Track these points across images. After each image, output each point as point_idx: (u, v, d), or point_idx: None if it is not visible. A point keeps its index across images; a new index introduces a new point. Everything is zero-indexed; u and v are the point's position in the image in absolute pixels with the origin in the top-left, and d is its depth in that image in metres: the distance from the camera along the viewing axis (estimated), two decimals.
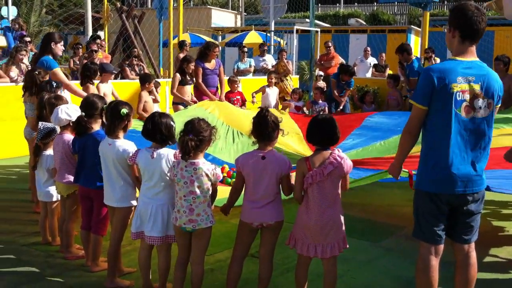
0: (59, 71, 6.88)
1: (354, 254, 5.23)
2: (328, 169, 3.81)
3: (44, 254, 5.18)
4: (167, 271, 4.21)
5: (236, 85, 10.58)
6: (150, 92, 8.81)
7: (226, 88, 10.20)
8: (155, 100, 8.93)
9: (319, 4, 37.59)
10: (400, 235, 5.78)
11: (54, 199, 5.29)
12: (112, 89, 8.80)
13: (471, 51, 3.62)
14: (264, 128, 3.95)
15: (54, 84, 6.15)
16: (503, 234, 6.11)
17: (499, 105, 3.68)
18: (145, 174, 4.14)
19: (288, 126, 8.48)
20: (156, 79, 10.48)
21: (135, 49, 14.09)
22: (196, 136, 3.88)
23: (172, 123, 4.14)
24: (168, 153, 4.11)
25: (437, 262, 3.69)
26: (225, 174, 6.77)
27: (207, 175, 3.93)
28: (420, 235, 3.73)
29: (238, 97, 10.58)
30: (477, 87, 3.52)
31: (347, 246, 4.02)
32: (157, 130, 4.07)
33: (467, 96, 3.51)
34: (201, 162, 3.95)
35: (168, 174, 4.03)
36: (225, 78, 10.47)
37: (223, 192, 4.59)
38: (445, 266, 4.05)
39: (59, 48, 7.18)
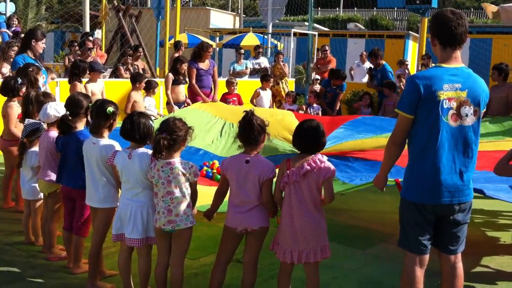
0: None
1: (342, 261, 5.17)
2: (304, 169, 3.73)
3: (26, 254, 5.09)
4: (148, 274, 4.12)
5: (233, 87, 10.53)
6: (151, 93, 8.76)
7: (220, 88, 10.14)
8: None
9: (319, 8, 37.62)
10: (389, 242, 5.71)
11: (38, 197, 5.20)
12: (102, 88, 8.67)
13: (455, 57, 3.55)
14: (250, 131, 3.87)
15: (19, 81, 6.06)
16: (494, 244, 6.04)
17: (484, 110, 3.61)
18: (123, 175, 4.07)
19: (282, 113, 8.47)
20: (154, 79, 10.42)
21: (130, 49, 13.96)
22: (170, 135, 3.81)
23: (151, 122, 4.07)
24: (145, 153, 4.02)
25: (422, 273, 3.62)
26: (215, 171, 6.66)
27: (184, 174, 3.85)
28: (405, 245, 3.66)
29: (235, 98, 10.52)
30: (463, 94, 3.45)
31: (328, 255, 3.91)
32: (135, 130, 3.99)
33: (453, 104, 3.44)
34: (177, 161, 3.88)
35: (147, 175, 3.95)
36: (221, 79, 10.43)
37: (211, 194, 4.50)
38: (431, 276, 3.98)
39: (40, 46, 7.11)
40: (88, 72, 8.30)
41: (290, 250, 3.84)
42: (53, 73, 7.82)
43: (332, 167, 3.80)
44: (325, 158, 3.84)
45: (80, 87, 7.80)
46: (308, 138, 3.83)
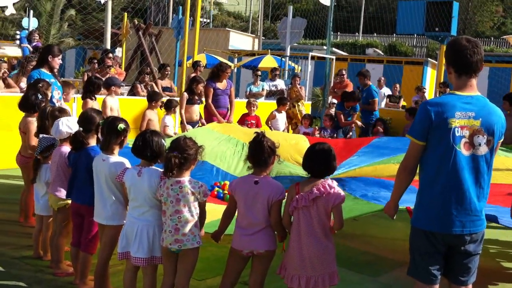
0: None
1: None
2: (313, 194, 3.68)
3: (33, 268, 5.08)
4: None
5: (253, 108, 10.54)
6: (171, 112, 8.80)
7: (237, 109, 10.16)
8: None
9: (338, 33, 37.75)
10: (400, 270, 5.60)
11: (51, 212, 5.20)
12: (117, 105, 8.71)
13: (470, 85, 3.49)
14: (260, 153, 3.84)
15: (40, 96, 6.08)
16: (508, 274, 5.90)
17: (502, 140, 3.55)
18: (131, 192, 4.05)
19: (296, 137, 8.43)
20: (174, 98, 10.47)
21: (148, 67, 14.07)
22: (181, 154, 3.80)
23: (163, 141, 4.06)
24: (155, 172, 4.01)
25: None
26: (226, 192, 6.63)
27: (193, 193, 3.83)
28: (414, 274, 3.59)
29: (254, 121, 10.52)
30: (477, 123, 3.39)
31: (336, 282, 3.85)
32: (147, 147, 3.98)
33: (466, 132, 3.38)
34: (187, 180, 3.87)
35: (156, 194, 3.93)
36: (238, 100, 10.46)
37: (220, 213, 4.47)
38: None
39: (56, 61, 7.17)
40: (105, 87, 8.34)
41: (298, 276, 3.77)
42: (73, 89, 7.84)
43: (342, 193, 3.76)
44: (335, 183, 3.79)
45: (91, 104, 7.79)
46: (319, 161, 3.79)
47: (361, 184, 6.22)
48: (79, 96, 8.12)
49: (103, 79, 9.07)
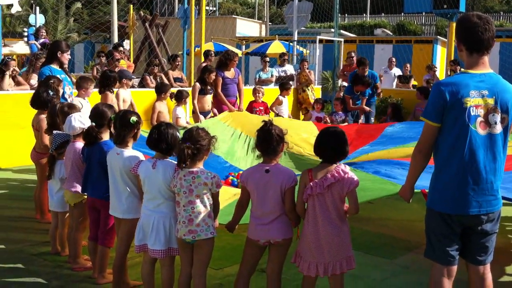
0: None
1: (369, 272, 5.08)
2: (328, 181, 3.66)
3: (52, 264, 5.12)
4: (171, 285, 4.10)
5: (258, 95, 10.53)
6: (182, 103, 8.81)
7: (246, 97, 10.14)
8: None
9: (346, 14, 37.44)
10: (417, 252, 5.59)
11: (66, 209, 5.23)
12: (131, 96, 8.76)
13: (482, 62, 3.44)
14: (269, 142, 3.82)
15: (51, 93, 6.10)
16: None
17: None
18: (145, 184, 4.06)
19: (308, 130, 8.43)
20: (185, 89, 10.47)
21: (156, 58, 14.06)
22: (194, 144, 3.80)
23: (178, 134, 4.06)
24: (170, 164, 4.01)
25: (450, 284, 3.51)
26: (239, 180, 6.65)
27: (206, 184, 3.83)
28: (432, 255, 3.57)
29: (262, 108, 10.53)
30: (491, 101, 3.35)
31: (354, 266, 3.84)
32: (163, 140, 3.98)
33: (481, 111, 3.33)
34: (200, 171, 3.87)
35: (170, 185, 3.94)
36: (247, 88, 10.43)
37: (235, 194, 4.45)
38: (460, 287, 3.87)
39: (66, 57, 7.20)
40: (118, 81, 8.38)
41: (315, 263, 3.76)
42: (92, 84, 7.83)
43: (356, 177, 3.72)
44: (348, 168, 3.76)
45: (111, 97, 7.85)
46: (331, 145, 3.76)
47: (373, 164, 6.19)
48: (96, 90, 8.14)
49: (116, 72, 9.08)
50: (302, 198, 3.79)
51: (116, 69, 10.63)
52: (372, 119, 11.51)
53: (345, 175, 3.69)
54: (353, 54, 14.11)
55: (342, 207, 3.77)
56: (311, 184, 3.71)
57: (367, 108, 11.07)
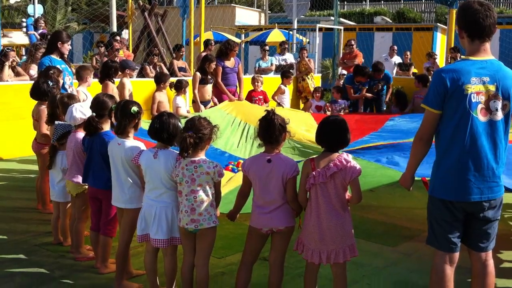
0: None
1: (371, 259, 5.10)
2: (331, 170, 3.66)
3: (54, 254, 5.14)
4: (174, 274, 4.12)
5: (257, 84, 10.50)
6: (182, 93, 8.79)
7: (246, 86, 10.13)
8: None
9: (345, 2, 37.31)
10: (419, 239, 5.61)
11: (68, 199, 5.23)
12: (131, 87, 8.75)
13: (484, 49, 3.43)
14: (272, 131, 3.82)
15: (51, 84, 6.09)
16: None
17: None
18: (146, 174, 4.06)
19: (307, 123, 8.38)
20: (184, 78, 10.45)
21: (155, 48, 14.02)
22: (196, 133, 3.80)
23: (179, 124, 4.05)
24: (171, 153, 4.02)
25: (452, 271, 3.53)
26: (240, 168, 6.65)
27: (208, 173, 3.83)
28: (434, 243, 3.58)
29: (261, 97, 10.52)
30: (492, 88, 3.34)
31: (357, 253, 3.86)
32: (164, 129, 3.98)
33: (482, 98, 3.33)
34: (202, 160, 3.87)
35: (171, 175, 3.94)
36: (246, 77, 10.42)
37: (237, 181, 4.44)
38: (462, 273, 3.88)
39: (66, 47, 7.20)
40: (120, 70, 8.34)
41: (318, 250, 3.77)
42: (92, 72, 7.80)
43: (358, 166, 3.72)
44: (350, 157, 3.76)
45: (111, 87, 7.83)
46: (333, 134, 3.76)
47: (375, 152, 6.19)
48: (96, 80, 8.12)
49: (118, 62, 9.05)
50: (304, 187, 3.80)
51: (116, 59, 10.59)
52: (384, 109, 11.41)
53: (348, 164, 3.69)
54: (352, 42, 14.06)
55: (345, 196, 3.77)
56: (314, 173, 3.71)
57: (369, 94, 10.97)
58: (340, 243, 3.75)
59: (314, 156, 3.85)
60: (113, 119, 4.52)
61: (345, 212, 3.79)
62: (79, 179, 4.86)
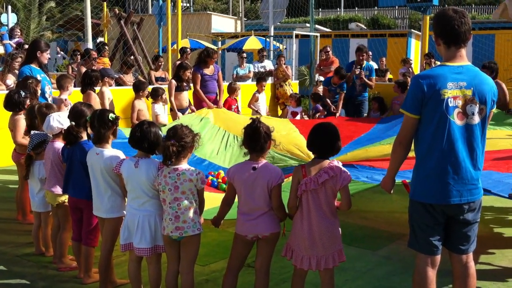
0: None
1: (353, 263, 5.15)
2: (323, 177, 3.71)
3: (36, 265, 5.09)
4: (158, 282, 4.12)
5: (236, 92, 10.52)
6: (160, 100, 8.78)
7: (225, 93, 10.15)
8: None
9: (320, 9, 37.58)
10: (399, 242, 5.69)
11: (48, 209, 5.19)
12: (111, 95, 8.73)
13: (460, 55, 3.53)
14: (257, 139, 3.84)
15: (23, 94, 6.05)
16: (504, 240, 6.00)
17: (494, 109, 3.59)
18: (128, 183, 4.06)
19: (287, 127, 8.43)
20: (160, 86, 10.42)
21: (132, 56, 13.96)
22: (178, 142, 3.82)
23: (160, 132, 4.07)
24: (153, 162, 4.03)
25: (434, 273, 3.59)
26: (220, 180, 6.66)
27: (191, 180, 3.85)
28: (415, 246, 3.63)
29: (234, 105, 10.51)
30: (469, 92, 3.43)
31: (344, 259, 3.91)
32: (145, 139, 3.99)
33: (459, 102, 3.42)
34: (185, 167, 3.89)
35: (153, 184, 3.95)
36: (225, 83, 10.42)
37: (217, 200, 4.49)
38: (444, 275, 3.95)
39: (45, 56, 7.18)
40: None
41: (308, 256, 3.80)
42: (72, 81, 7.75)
43: (348, 173, 3.79)
44: (340, 164, 3.81)
45: (94, 96, 7.80)
46: (323, 140, 3.80)
47: (354, 170, 6.24)
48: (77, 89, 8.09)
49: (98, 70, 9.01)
50: (295, 193, 3.83)
51: (94, 68, 10.54)
52: (365, 115, 11.43)
53: (339, 171, 3.74)
54: (328, 48, 14.18)
55: (334, 202, 3.83)
56: (305, 180, 3.75)
57: (335, 110, 10.91)
58: (329, 248, 3.80)
59: (305, 163, 3.89)
60: (89, 130, 4.49)
61: (335, 218, 3.84)
62: (58, 189, 4.83)
